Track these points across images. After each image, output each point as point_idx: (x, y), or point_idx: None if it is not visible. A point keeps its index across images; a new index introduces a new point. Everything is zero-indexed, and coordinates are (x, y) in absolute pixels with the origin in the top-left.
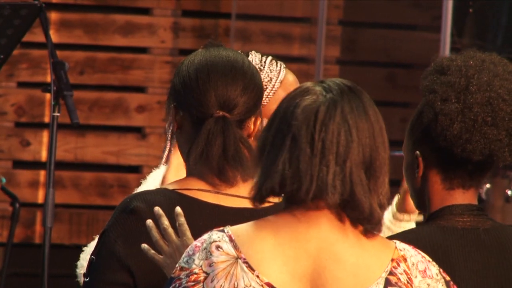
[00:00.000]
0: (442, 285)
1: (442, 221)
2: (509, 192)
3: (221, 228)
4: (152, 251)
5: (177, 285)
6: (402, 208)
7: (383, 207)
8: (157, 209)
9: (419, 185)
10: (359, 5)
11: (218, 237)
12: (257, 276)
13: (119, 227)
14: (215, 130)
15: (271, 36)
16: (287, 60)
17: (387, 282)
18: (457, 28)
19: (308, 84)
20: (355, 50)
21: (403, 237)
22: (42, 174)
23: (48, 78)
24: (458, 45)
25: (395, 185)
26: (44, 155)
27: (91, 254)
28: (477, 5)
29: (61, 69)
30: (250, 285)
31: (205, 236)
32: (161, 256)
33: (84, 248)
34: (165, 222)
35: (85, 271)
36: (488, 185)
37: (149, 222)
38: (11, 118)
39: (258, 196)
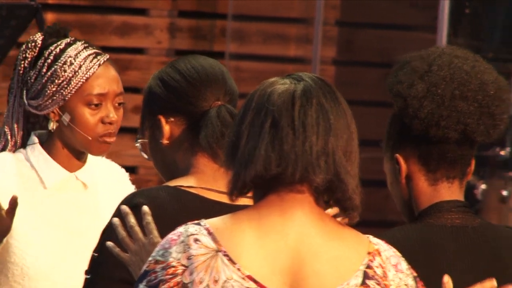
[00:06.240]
0: (412, 280)
1: (431, 219)
2: (504, 193)
3: (196, 222)
4: (117, 249)
5: (152, 278)
6: None
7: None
8: (124, 207)
9: (405, 190)
10: (356, 5)
11: (195, 230)
12: (238, 269)
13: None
14: (223, 114)
15: (268, 36)
16: (284, 60)
17: (365, 275)
18: (454, 28)
19: (274, 78)
20: (351, 51)
21: (392, 235)
22: None
23: None
24: (454, 45)
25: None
26: None
27: (93, 251)
28: (473, 5)
29: None
30: (231, 278)
31: (181, 229)
32: (127, 254)
33: None
34: (132, 220)
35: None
36: (484, 186)
37: (116, 220)
38: None
39: (239, 185)
